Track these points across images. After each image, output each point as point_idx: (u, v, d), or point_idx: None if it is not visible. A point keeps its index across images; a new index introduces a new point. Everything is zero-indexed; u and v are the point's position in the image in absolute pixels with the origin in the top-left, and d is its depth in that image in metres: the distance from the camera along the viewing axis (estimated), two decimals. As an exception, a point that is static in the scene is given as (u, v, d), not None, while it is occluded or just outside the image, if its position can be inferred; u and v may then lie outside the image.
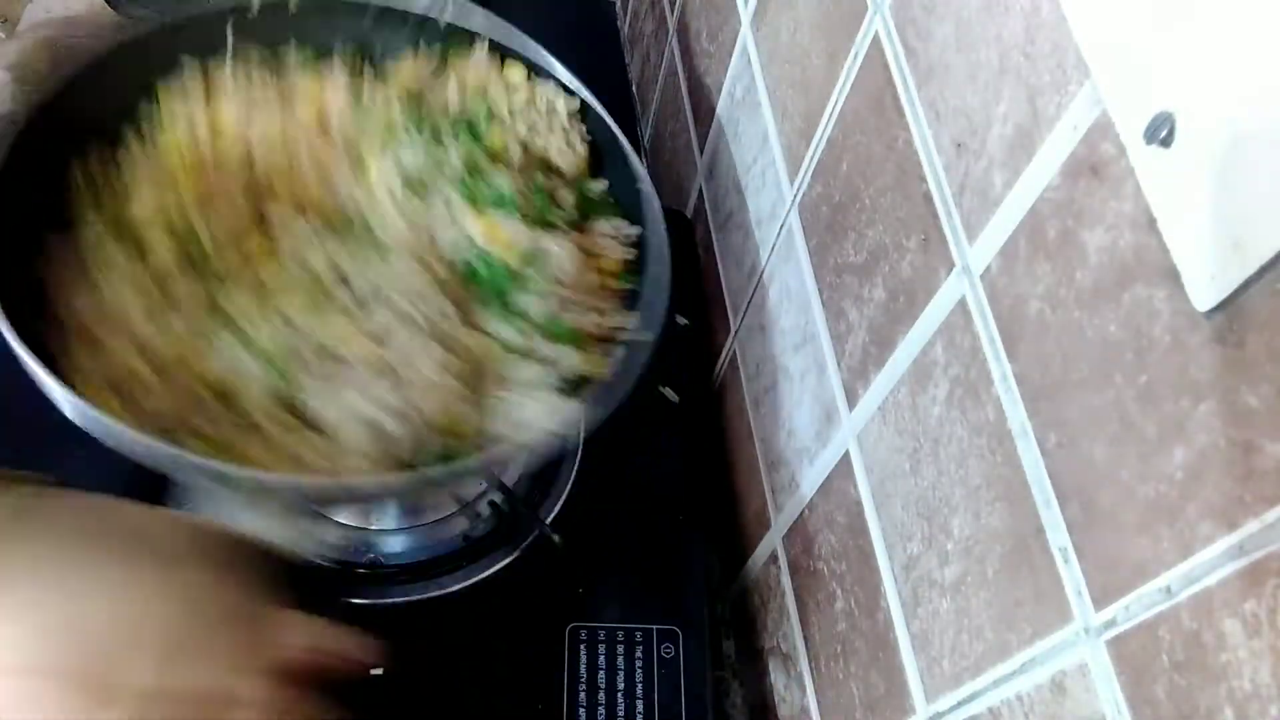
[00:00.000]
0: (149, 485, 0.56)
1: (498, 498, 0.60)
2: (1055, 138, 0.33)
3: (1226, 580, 0.26)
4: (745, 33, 0.64)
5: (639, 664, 0.58)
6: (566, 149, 0.61)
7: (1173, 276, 0.28)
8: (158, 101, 0.57)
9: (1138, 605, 0.30)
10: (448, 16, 0.63)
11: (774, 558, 0.62)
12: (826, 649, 0.54)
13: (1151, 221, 0.28)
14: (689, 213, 0.80)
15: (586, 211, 0.60)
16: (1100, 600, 0.31)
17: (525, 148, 0.60)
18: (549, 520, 0.61)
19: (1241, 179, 0.24)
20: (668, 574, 0.62)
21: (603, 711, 0.57)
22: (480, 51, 0.63)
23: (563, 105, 0.63)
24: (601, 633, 0.59)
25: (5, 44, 0.93)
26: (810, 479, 0.56)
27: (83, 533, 0.36)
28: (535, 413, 0.49)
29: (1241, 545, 0.26)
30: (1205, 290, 0.26)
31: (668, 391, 0.69)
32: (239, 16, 0.59)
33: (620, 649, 0.59)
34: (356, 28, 0.63)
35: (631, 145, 0.81)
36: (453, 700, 0.54)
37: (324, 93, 0.59)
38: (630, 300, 0.57)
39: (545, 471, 0.63)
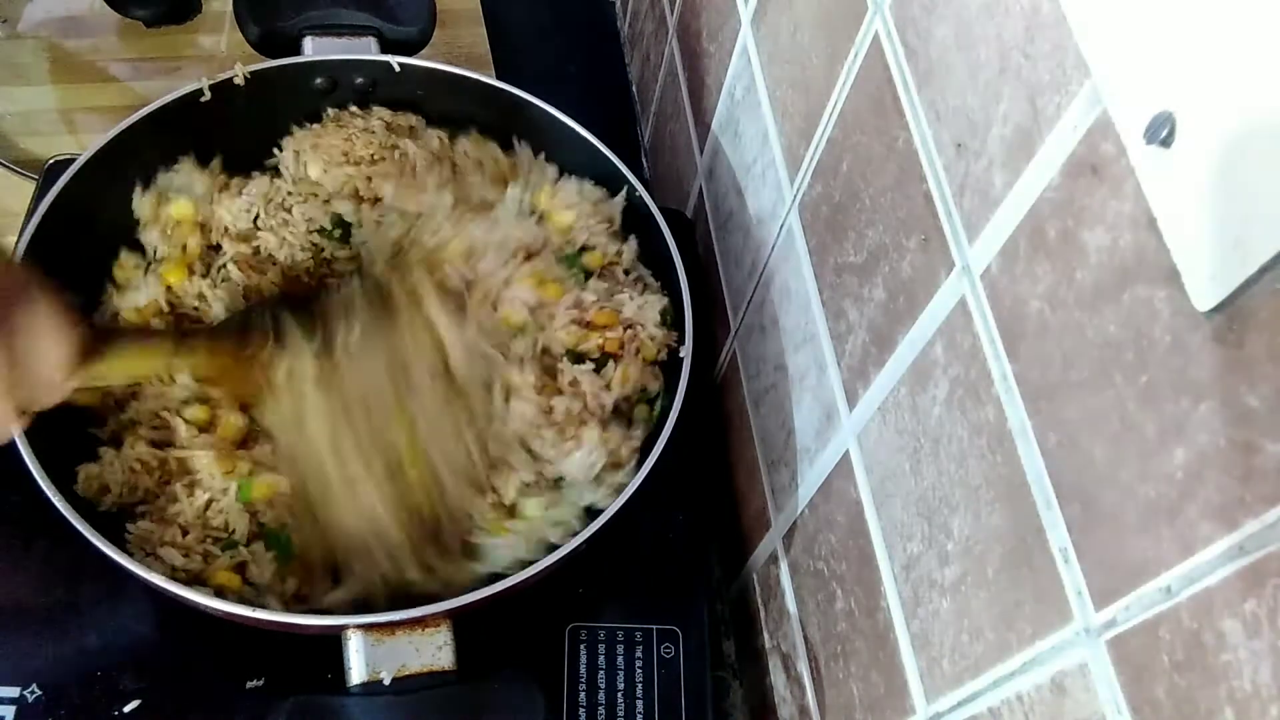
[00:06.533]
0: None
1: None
2: (1055, 138, 0.33)
3: (1226, 580, 0.26)
4: (745, 33, 0.64)
5: (639, 664, 0.58)
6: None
7: (1173, 276, 0.28)
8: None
9: (1138, 605, 0.30)
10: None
11: (774, 558, 0.62)
12: (826, 649, 0.54)
13: (1151, 221, 0.28)
14: (689, 213, 0.80)
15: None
16: (1100, 600, 0.31)
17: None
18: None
19: (1241, 179, 0.24)
20: (667, 574, 0.62)
21: (603, 711, 0.57)
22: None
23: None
24: (601, 633, 0.59)
25: (5, 44, 0.93)
26: (810, 479, 0.56)
27: None
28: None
29: (1241, 545, 0.26)
30: (1205, 290, 0.26)
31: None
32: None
33: (620, 649, 0.59)
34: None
35: (631, 145, 0.82)
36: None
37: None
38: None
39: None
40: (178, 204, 0.62)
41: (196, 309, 0.59)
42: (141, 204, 0.62)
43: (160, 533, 0.52)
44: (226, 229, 0.63)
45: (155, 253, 0.61)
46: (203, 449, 0.54)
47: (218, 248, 0.63)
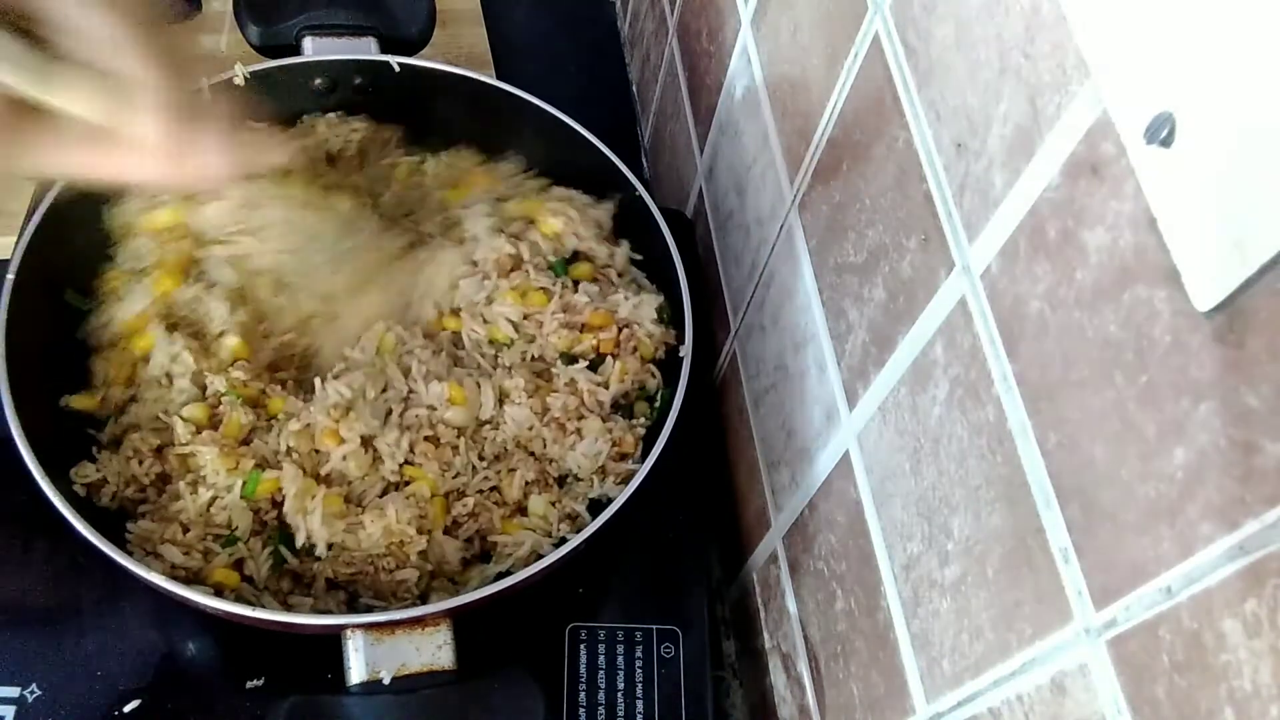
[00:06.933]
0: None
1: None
2: (1055, 138, 0.33)
3: (1226, 580, 0.26)
4: (745, 33, 0.64)
5: (639, 664, 0.58)
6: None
7: (1173, 276, 0.28)
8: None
9: (1138, 605, 0.30)
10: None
11: (774, 558, 0.62)
12: (826, 649, 0.54)
13: (1151, 221, 0.28)
14: (689, 213, 0.80)
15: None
16: (1100, 600, 0.31)
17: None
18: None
19: (1242, 179, 0.24)
20: (668, 574, 0.62)
21: (603, 711, 0.57)
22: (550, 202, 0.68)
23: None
24: (601, 633, 0.59)
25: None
26: (810, 479, 0.56)
27: None
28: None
29: (1241, 545, 0.26)
30: (1205, 290, 0.26)
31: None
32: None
33: (620, 649, 0.59)
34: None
35: (631, 145, 0.81)
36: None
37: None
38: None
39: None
40: (161, 212, 0.61)
41: (193, 312, 0.59)
42: (125, 214, 0.60)
43: (161, 531, 0.52)
44: (208, 235, 0.62)
45: (143, 261, 0.61)
46: (206, 446, 0.54)
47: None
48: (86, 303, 0.59)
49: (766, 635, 0.64)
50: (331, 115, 0.67)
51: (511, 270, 0.63)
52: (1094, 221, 0.31)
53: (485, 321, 0.61)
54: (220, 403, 0.56)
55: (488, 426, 0.58)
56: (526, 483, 0.57)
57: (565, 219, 0.65)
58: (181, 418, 0.55)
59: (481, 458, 0.57)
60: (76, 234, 0.59)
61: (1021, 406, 0.35)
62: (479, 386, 0.58)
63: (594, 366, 0.61)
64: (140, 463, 0.54)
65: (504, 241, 0.63)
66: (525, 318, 0.61)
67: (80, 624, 0.55)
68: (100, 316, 0.59)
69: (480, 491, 0.57)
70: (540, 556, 0.53)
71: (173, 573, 0.50)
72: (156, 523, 0.52)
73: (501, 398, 0.59)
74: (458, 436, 0.57)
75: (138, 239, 0.61)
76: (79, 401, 0.56)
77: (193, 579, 0.51)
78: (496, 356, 0.61)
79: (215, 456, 0.53)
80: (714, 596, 0.68)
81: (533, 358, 0.61)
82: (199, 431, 0.55)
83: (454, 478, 0.56)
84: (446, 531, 0.55)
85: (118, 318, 0.58)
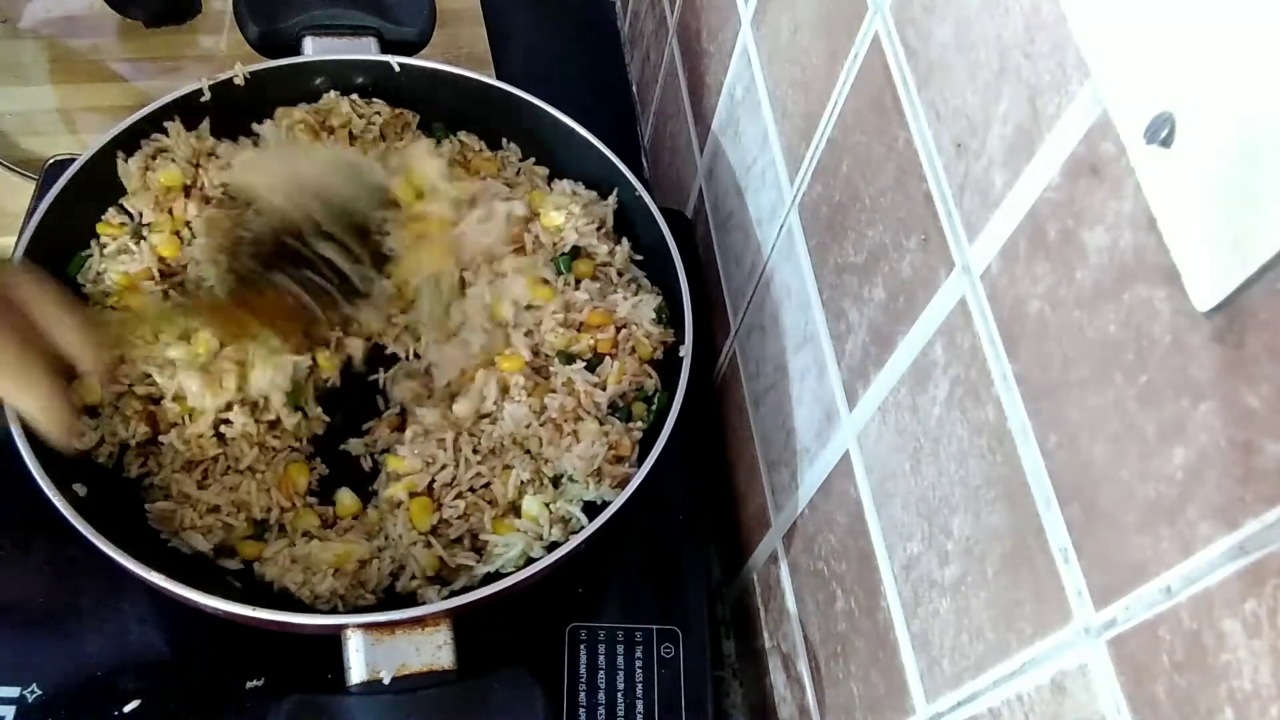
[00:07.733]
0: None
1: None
2: (1055, 138, 0.33)
3: (1226, 580, 0.26)
4: (745, 33, 0.64)
5: (639, 664, 0.58)
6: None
7: (1173, 276, 0.28)
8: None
9: (1138, 605, 0.30)
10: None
11: (774, 558, 0.62)
12: (826, 649, 0.54)
13: (1151, 221, 0.28)
14: (689, 213, 0.80)
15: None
16: (1100, 600, 0.31)
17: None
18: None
19: (1241, 179, 0.24)
20: (668, 574, 0.62)
21: (603, 711, 0.57)
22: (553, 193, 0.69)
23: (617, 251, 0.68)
24: (601, 633, 0.59)
25: (5, 43, 0.93)
26: (810, 479, 0.56)
27: None
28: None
29: (1241, 545, 0.26)
30: (1205, 290, 0.26)
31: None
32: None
33: (620, 649, 0.59)
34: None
35: (631, 145, 0.81)
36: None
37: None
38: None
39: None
40: (165, 172, 0.61)
41: (184, 282, 0.60)
42: (129, 171, 0.61)
43: (180, 512, 0.53)
44: (209, 198, 0.62)
45: (142, 218, 0.61)
46: (186, 372, 0.55)
47: (207, 201, 0.62)
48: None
49: (766, 635, 0.64)
50: (354, 97, 0.67)
51: (517, 251, 0.64)
52: (1094, 221, 0.31)
53: (489, 299, 0.61)
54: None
55: (485, 420, 0.58)
56: (522, 482, 0.57)
57: (567, 213, 0.65)
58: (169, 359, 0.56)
59: (476, 451, 0.57)
60: (77, 234, 0.59)
61: (1021, 406, 0.35)
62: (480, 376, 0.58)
63: (591, 367, 0.61)
64: (127, 426, 0.54)
65: (521, 214, 0.64)
66: (528, 307, 0.61)
67: (80, 624, 0.55)
68: (96, 265, 0.59)
69: (473, 490, 0.57)
70: (531, 559, 0.53)
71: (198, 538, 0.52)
72: (174, 501, 0.53)
73: (502, 391, 0.59)
74: (453, 430, 0.57)
75: (137, 197, 0.61)
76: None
77: (220, 552, 0.53)
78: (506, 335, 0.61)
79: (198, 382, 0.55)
80: (714, 596, 0.68)
81: (533, 353, 0.61)
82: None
83: (440, 470, 0.56)
84: (434, 530, 0.55)
85: (111, 270, 0.58)
